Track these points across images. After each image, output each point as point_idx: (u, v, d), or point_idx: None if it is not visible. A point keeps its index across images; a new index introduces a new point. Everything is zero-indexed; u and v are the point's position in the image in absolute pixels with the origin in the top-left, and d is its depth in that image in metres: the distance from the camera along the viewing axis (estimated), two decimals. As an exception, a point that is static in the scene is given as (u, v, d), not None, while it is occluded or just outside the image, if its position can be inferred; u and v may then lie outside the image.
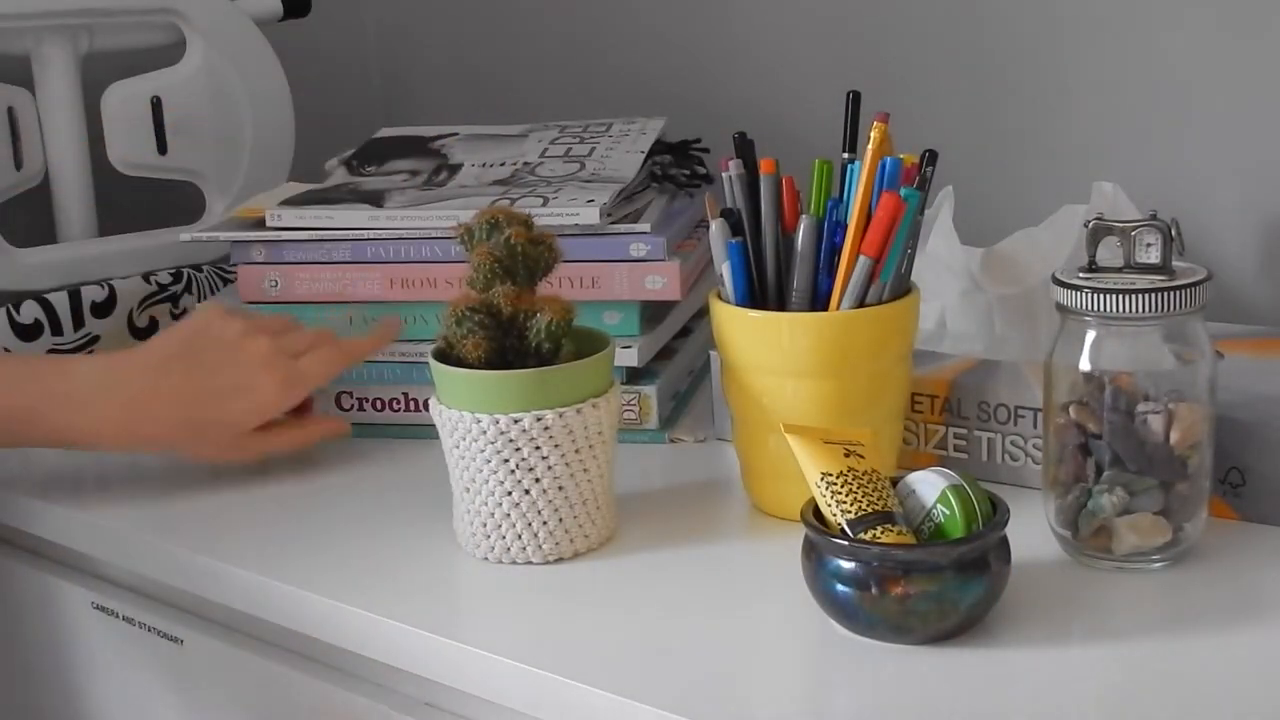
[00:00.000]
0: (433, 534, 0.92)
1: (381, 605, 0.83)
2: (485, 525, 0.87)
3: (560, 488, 0.86)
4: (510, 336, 0.86)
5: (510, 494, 0.86)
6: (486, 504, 0.86)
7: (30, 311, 1.18)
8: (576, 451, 0.86)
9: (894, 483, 0.80)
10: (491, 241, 0.87)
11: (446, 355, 0.87)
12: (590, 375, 0.87)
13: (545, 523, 0.86)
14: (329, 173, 1.22)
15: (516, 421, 0.84)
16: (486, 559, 0.87)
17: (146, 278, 1.25)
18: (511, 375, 0.85)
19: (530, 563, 0.87)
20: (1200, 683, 0.71)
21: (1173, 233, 0.80)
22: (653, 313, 1.08)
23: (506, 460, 0.85)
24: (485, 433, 0.85)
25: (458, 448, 0.86)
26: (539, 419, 0.84)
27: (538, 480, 0.86)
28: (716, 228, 0.90)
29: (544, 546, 0.87)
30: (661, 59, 1.41)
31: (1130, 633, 0.76)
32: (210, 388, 0.97)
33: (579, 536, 0.88)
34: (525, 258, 0.86)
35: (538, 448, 0.85)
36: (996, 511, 0.77)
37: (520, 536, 0.87)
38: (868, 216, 0.88)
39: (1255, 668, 0.72)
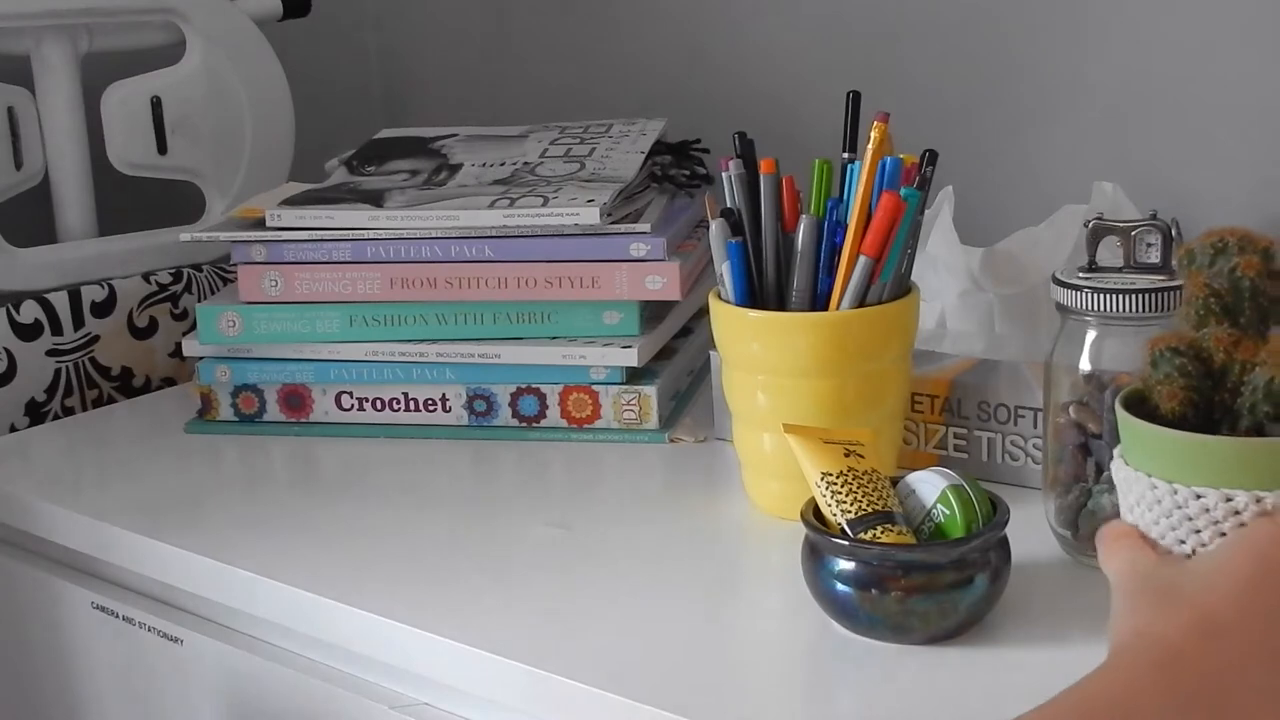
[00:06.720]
0: (433, 533, 0.92)
1: (380, 604, 0.83)
2: None
3: None
4: (1222, 391, 0.69)
5: None
6: None
7: (30, 311, 1.18)
8: None
9: (894, 483, 0.80)
10: (1213, 269, 0.69)
11: (1141, 401, 0.70)
12: None
13: None
14: (329, 173, 1.22)
15: (1199, 498, 0.66)
16: None
17: (146, 278, 1.25)
18: (1198, 440, 0.67)
19: None
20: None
21: (1173, 233, 0.80)
22: (653, 313, 1.08)
23: (1183, 542, 0.67)
24: (1160, 503, 0.68)
25: (1131, 513, 0.70)
26: (1228, 500, 0.66)
27: None
28: (716, 228, 0.90)
29: None
30: (661, 60, 1.40)
31: (1130, 633, 0.76)
32: None
33: None
34: (1255, 295, 0.68)
35: (1222, 534, 0.66)
36: (996, 511, 0.77)
37: None
38: (868, 216, 0.88)
39: (1255, 668, 0.72)
